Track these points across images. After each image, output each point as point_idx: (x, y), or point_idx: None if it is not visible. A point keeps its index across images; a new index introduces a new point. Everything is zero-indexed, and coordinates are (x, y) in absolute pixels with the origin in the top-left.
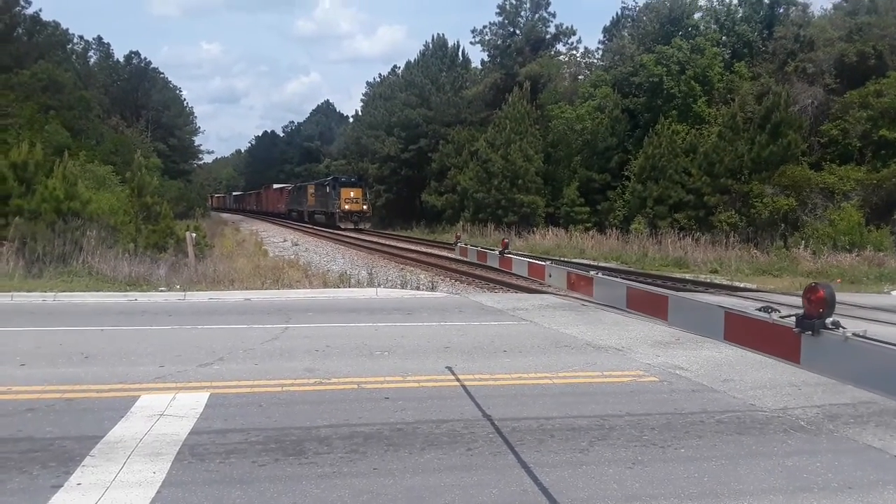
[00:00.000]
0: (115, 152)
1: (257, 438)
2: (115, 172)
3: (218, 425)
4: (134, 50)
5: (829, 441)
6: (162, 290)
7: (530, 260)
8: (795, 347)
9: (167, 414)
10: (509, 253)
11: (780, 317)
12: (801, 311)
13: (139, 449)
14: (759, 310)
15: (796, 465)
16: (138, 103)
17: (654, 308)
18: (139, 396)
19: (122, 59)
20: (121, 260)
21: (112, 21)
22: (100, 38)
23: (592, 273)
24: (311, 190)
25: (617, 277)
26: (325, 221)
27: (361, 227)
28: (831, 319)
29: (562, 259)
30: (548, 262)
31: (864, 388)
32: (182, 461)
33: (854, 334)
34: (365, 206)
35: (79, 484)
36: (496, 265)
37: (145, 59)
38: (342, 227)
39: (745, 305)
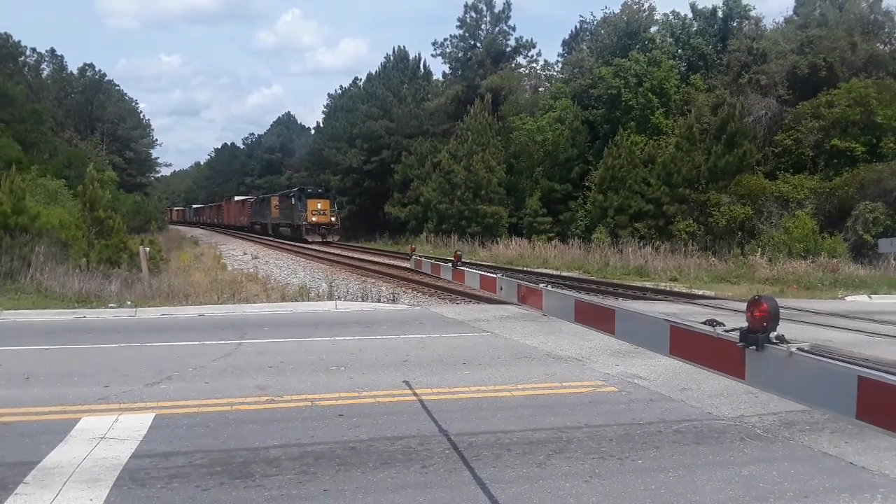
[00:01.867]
0: (69, 166)
1: (202, 461)
2: (67, 186)
3: (162, 448)
4: (88, 62)
5: (785, 449)
6: (112, 307)
7: (482, 273)
8: (740, 363)
9: (108, 437)
10: (462, 265)
11: (725, 330)
12: (745, 325)
13: (76, 475)
14: (704, 323)
15: (753, 475)
16: (93, 116)
17: (601, 321)
18: (80, 419)
19: (75, 72)
20: (71, 276)
21: (66, 34)
22: (53, 51)
23: (542, 286)
24: (274, 202)
25: (565, 290)
26: (290, 235)
27: (330, 240)
28: (776, 333)
29: (524, 269)
30: (499, 275)
31: (810, 405)
32: (121, 487)
33: (798, 349)
34: (333, 218)
35: None
36: (450, 278)
37: (100, 71)
38: (310, 240)
39: (704, 313)
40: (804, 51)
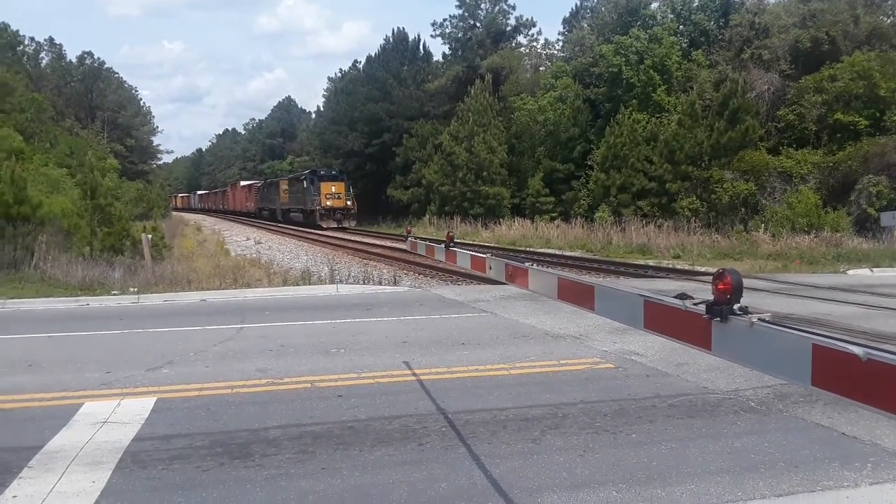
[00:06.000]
0: (70, 155)
1: (203, 443)
2: (70, 175)
3: (162, 431)
4: (87, 50)
5: (777, 421)
6: (115, 294)
7: (473, 253)
8: (707, 335)
9: (111, 421)
10: (454, 246)
11: (694, 304)
12: (711, 298)
13: (79, 458)
14: (676, 297)
15: (744, 446)
16: (93, 104)
17: (582, 298)
18: (83, 404)
19: (74, 60)
20: (74, 264)
21: (66, 22)
22: (51, 40)
23: (527, 264)
24: (283, 186)
25: (550, 268)
26: (302, 220)
27: (346, 225)
28: (739, 305)
29: (527, 249)
30: (488, 255)
31: (770, 373)
32: (123, 469)
33: (760, 319)
34: (349, 202)
35: (14, 496)
36: (443, 259)
37: (99, 59)
38: (324, 226)
39: (703, 290)
40: (806, 24)
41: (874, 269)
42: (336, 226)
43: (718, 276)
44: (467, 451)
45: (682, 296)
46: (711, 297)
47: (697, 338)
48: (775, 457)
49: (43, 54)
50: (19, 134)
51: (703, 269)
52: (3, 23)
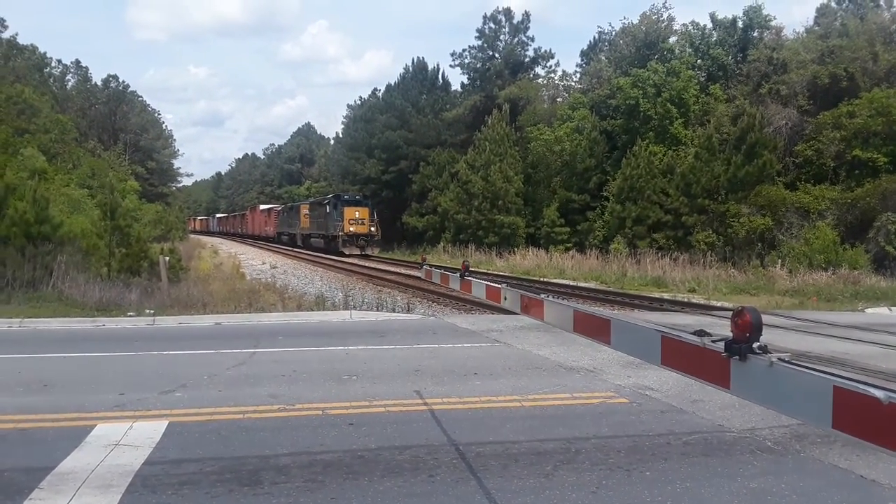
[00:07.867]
0: (92, 176)
1: (213, 468)
2: (90, 196)
3: (173, 455)
4: (112, 73)
5: (794, 462)
6: (130, 315)
7: (488, 283)
8: (725, 373)
9: (122, 444)
10: (469, 275)
11: (712, 341)
12: (729, 335)
13: (90, 480)
14: (693, 333)
15: (761, 487)
16: (116, 126)
17: (598, 331)
18: (95, 426)
19: (99, 83)
20: (92, 284)
21: (93, 45)
22: (78, 62)
23: (543, 296)
24: (304, 210)
25: (565, 300)
26: (324, 246)
27: (369, 252)
28: (758, 344)
29: (541, 279)
30: (503, 285)
31: (790, 415)
32: (133, 493)
33: (780, 358)
34: (373, 228)
35: None
36: (458, 288)
37: (123, 82)
38: (347, 252)
39: (720, 325)
40: (825, 61)
41: (893, 307)
42: (359, 253)
43: (738, 314)
44: (478, 484)
45: (701, 332)
46: (730, 334)
47: (715, 376)
48: (792, 499)
49: (69, 76)
50: (43, 154)
51: (718, 304)
52: (32, 44)
